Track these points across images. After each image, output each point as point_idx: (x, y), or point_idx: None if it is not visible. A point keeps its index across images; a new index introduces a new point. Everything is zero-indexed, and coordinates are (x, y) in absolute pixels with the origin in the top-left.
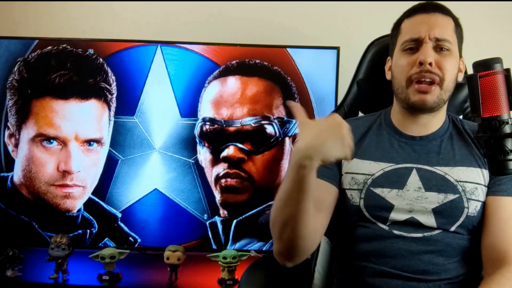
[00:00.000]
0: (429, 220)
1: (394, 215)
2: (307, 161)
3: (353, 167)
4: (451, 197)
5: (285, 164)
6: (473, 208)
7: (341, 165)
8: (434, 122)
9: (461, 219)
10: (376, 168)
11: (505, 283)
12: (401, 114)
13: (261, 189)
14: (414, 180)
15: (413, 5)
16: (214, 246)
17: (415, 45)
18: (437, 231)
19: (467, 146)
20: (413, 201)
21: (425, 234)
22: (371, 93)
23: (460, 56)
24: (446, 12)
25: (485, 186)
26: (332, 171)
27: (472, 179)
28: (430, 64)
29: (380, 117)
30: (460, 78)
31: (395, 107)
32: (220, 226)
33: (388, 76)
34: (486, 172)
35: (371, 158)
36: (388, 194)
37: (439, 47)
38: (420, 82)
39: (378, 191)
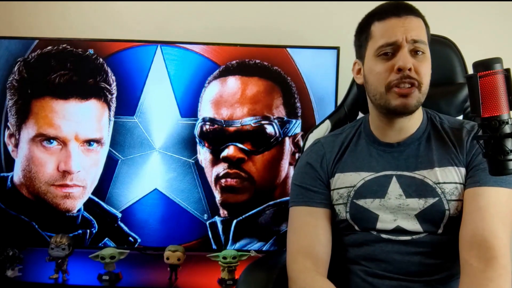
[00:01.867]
0: (414, 226)
1: (381, 225)
2: None
3: (337, 183)
4: (431, 201)
5: (285, 164)
6: (454, 209)
7: (329, 183)
8: (411, 124)
9: (444, 221)
10: (357, 178)
11: (502, 283)
12: (378, 119)
13: (261, 189)
14: (394, 188)
15: (380, 6)
16: (214, 246)
17: (391, 50)
18: (424, 234)
19: (444, 146)
20: (396, 210)
21: (414, 236)
22: None
23: None
24: (417, 13)
25: (463, 184)
26: (322, 195)
27: (450, 179)
28: (410, 69)
29: (360, 126)
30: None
31: (372, 113)
32: (220, 226)
33: (358, 80)
34: (463, 170)
35: (352, 170)
36: (371, 204)
37: (415, 51)
38: (400, 86)
39: (361, 202)
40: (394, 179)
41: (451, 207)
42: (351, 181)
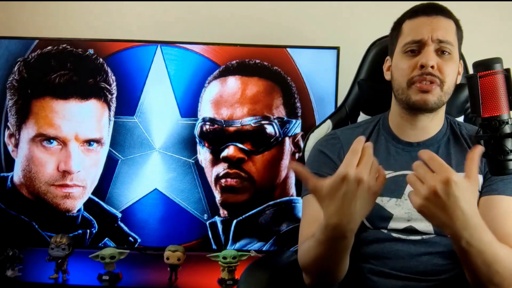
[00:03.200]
0: (427, 227)
1: (393, 224)
2: (347, 234)
3: None
4: None
5: (285, 164)
6: None
7: None
8: (432, 126)
9: None
10: None
11: None
12: (400, 116)
13: (261, 189)
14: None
15: (415, 6)
16: (214, 246)
17: (417, 47)
18: (435, 235)
19: (463, 152)
20: (411, 210)
21: (424, 236)
22: (372, 94)
23: (459, 58)
24: (449, 14)
25: (479, 191)
26: None
27: None
28: (432, 67)
29: (379, 122)
30: (459, 80)
31: (394, 110)
32: (220, 226)
33: (387, 76)
34: (480, 177)
35: None
36: (387, 203)
37: (440, 50)
38: (421, 82)
39: (377, 200)
40: None
41: None
42: None
